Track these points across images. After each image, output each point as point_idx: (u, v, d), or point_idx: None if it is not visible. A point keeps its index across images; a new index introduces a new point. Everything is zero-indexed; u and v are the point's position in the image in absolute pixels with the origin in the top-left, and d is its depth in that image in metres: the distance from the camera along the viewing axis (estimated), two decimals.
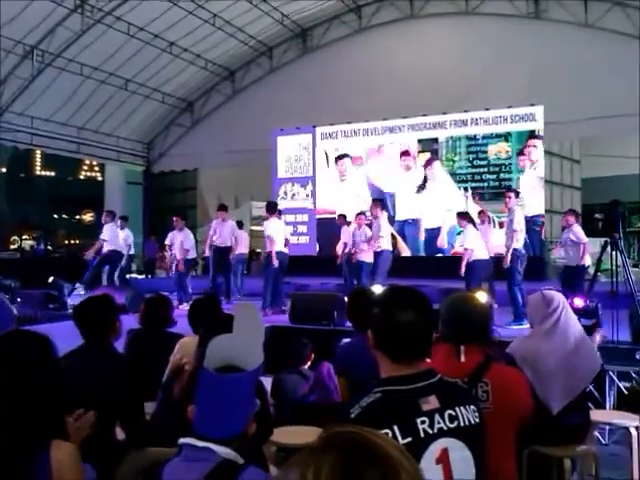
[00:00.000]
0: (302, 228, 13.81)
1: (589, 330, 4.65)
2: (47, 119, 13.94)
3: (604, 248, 6.30)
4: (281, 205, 13.89)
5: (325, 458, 0.88)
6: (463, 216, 8.78)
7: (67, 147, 14.97)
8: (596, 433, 4.57)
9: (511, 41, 12.53)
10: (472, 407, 1.68)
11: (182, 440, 1.62)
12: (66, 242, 29.77)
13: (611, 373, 5.26)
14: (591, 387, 4.95)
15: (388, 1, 14.49)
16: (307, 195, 14.12)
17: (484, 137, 12.38)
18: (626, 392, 5.07)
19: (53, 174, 29.82)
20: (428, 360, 1.74)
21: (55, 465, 1.70)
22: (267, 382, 4.11)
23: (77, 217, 31.27)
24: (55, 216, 31.53)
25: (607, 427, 4.66)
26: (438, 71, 12.80)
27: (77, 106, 14.33)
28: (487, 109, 12.21)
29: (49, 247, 24.18)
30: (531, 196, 11.71)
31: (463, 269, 8.11)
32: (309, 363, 4.45)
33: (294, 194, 14.27)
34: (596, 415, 3.89)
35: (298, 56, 15.63)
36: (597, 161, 15.79)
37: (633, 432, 3.70)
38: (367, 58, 13.88)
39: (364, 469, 0.87)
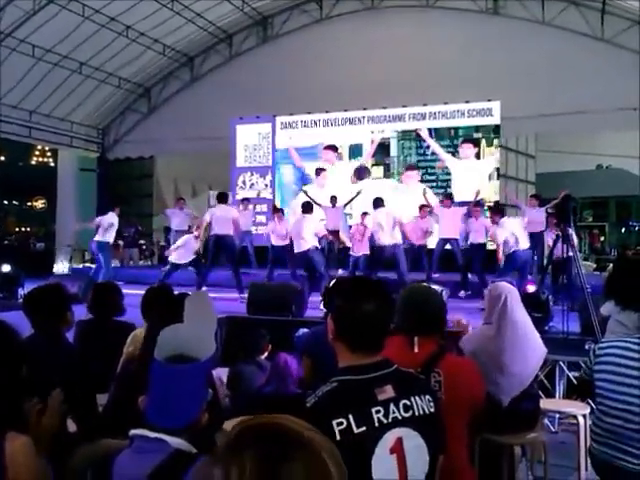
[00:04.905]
0: (261, 218, 13.71)
1: (538, 322, 4.77)
2: None
3: (555, 241, 6.47)
4: (239, 195, 13.79)
5: (246, 454, 0.87)
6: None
7: (18, 131, 14.44)
8: (546, 421, 4.70)
9: (470, 36, 12.67)
10: (427, 397, 1.69)
11: (133, 431, 1.59)
12: (16, 229, 28.98)
13: (561, 363, 5.41)
14: (542, 377, 5.09)
15: None
16: (266, 185, 14.03)
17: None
18: (575, 381, 5.21)
19: (3, 159, 28.91)
20: (382, 351, 1.74)
21: (9, 459, 1.63)
22: (224, 373, 4.08)
23: (28, 204, 30.43)
24: (5, 202, 30.62)
25: (556, 415, 4.79)
26: (398, 64, 12.83)
27: (29, 89, 13.82)
28: (446, 103, 12.34)
29: None
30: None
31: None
32: (266, 354, 4.44)
33: (253, 183, 14.17)
34: (546, 404, 4.00)
35: (258, 44, 15.44)
36: (552, 157, 16.16)
37: (581, 420, 3.82)
38: (328, 48, 13.81)
39: (288, 459, 0.86)
